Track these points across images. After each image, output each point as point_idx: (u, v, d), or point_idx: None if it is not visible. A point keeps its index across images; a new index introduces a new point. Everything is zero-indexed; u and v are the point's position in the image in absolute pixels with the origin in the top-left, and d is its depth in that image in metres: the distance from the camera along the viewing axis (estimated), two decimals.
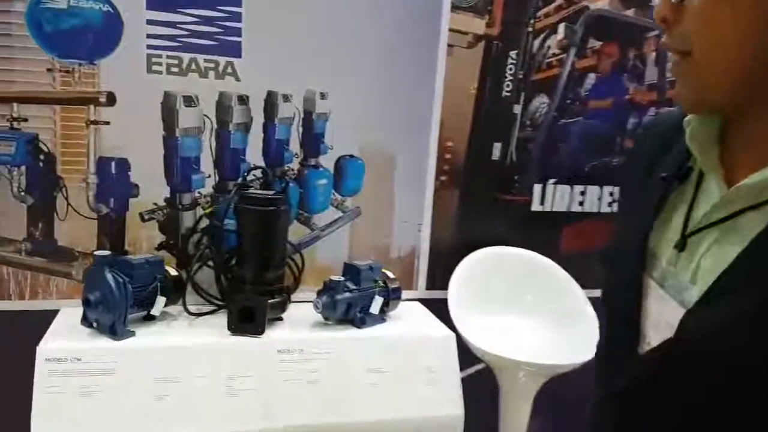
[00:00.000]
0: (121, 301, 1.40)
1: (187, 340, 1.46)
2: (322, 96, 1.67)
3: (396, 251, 1.83)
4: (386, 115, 1.74)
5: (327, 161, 1.73)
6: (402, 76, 1.73)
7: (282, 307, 1.58)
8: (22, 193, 1.52)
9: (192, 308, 1.59)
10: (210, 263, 1.63)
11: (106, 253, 1.42)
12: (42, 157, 1.51)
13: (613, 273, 0.74)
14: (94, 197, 1.57)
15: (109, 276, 1.40)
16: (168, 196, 1.62)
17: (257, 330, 1.49)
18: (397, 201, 1.80)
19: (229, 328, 1.49)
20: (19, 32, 1.42)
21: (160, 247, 1.65)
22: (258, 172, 1.64)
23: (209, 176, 1.64)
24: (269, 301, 1.52)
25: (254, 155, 1.66)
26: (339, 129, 1.72)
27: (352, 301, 1.58)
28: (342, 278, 1.59)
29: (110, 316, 1.40)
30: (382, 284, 1.65)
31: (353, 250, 1.80)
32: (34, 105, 1.47)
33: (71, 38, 1.46)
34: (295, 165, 1.71)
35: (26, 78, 1.45)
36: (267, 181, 1.58)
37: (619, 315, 0.70)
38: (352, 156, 1.74)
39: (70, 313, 1.47)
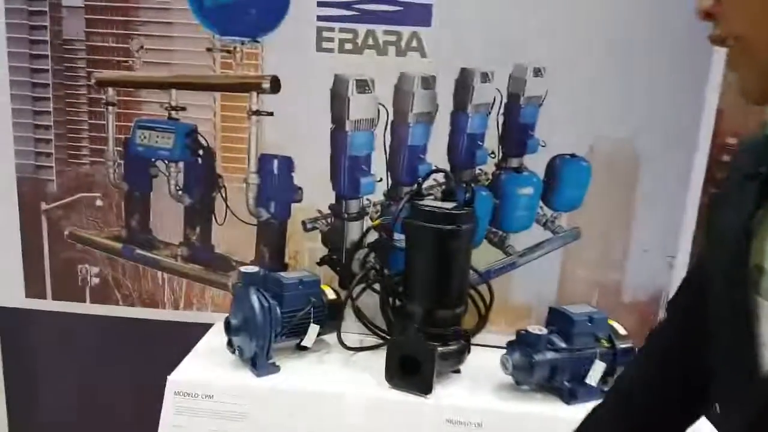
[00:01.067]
0: (265, 328, 1.14)
1: (338, 385, 1.15)
2: (537, 72, 1.23)
3: (630, 294, 1.31)
4: (631, 101, 1.23)
5: (535, 163, 1.29)
6: (660, 49, 1.20)
7: (458, 357, 1.18)
8: (180, 192, 1.36)
9: (352, 337, 1.28)
10: (376, 286, 1.31)
11: (253, 269, 1.17)
12: (201, 152, 1.33)
13: (711, 301, 0.66)
14: (254, 200, 1.35)
15: (254, 298, 1.15)
16: (333, 202, 1.34)
17: (422, 388, 1.11)
18: (637, 221, 1.28)
19: (388, 378, 1.14)
20: (179, 6, 1.25)
21: (322, 262, 1.37)
22: (440, 176, 1.26)
23: (380, 180, 1.31)
24: (440, 349, 1.13)
25: (437, 154, 1.29)
26: (557, 119, 1.25)
27: (559, 365, 1.12)
28: (545, 330, 1.13)
29: (252, 345, 1.15)
30: (606, 343, 1.16)
31: (564, 288, 1.32)
32: (192, 91, 1.29)
33: (233, 11, 1.24)
34: (489, 167, 1.30)
35: (185, 59, 1.28)
36: (449, 188, 1.19)
37: (727, 344, 0.63)
38: (573, 155, 1.27)
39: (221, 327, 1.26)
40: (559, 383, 1.14)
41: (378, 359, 1.25)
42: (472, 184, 1.24)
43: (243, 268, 1.17)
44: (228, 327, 1.16)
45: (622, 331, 1.19)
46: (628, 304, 1.30)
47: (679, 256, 1.27)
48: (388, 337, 1.32)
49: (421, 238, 1.13)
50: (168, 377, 1.13)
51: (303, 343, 1.22)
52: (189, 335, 1.32)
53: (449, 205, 1.14)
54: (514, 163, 1.28)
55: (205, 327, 1.35)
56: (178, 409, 1.11)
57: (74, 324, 1.43)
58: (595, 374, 1.14)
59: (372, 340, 1.33)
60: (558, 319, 1.16)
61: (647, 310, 1.30)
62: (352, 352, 1.27)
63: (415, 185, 1.20)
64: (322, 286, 1.26)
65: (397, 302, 1.27)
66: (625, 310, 1.29)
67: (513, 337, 1.15)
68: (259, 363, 1.16)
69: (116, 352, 1.44)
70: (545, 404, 1.13)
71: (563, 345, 1.13)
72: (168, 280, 1.40)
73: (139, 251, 1.39)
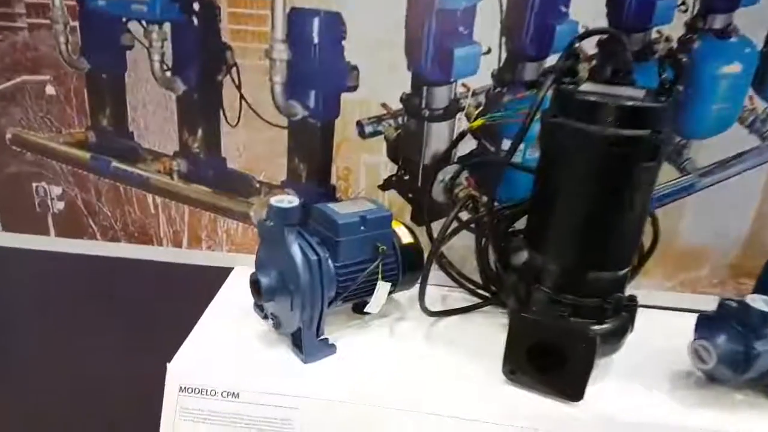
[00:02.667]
0: (314, 293, 0.72)
1: (426, 378, 0.74)
2: None
3: None
4: None
5: (751, 24, 0.78)
6: None
7: (618, 340, 0.75)
8: (168, 74, 0.88)
9: (434, 294, 0.86)
10: (473, 226, 0.86)
11: (291, 202, 0.72)
12: (197, 8, 0.84)
13: None
14: (282, 87, 0.87)
15: (295, 248, 0.71)
16: (407, 92, 0.86)
17: (570, 391, 0.70)
18: None
19: (507, 369, 0.72)
20: None
21: (387, 184, 0.91)
22: (590, 44, 0.76)
23: (487, 51, 0.82)
24: (599, 329, 0.71)
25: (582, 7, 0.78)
26: None
27: None
28: (762, 299, 0.70)
29: (295, 317, 0.73)
30: None
31: (763, 226, 0.86)
32: None
33: None
34: (675, 30, 0.79)
35: None
36: (623, 60, 0.68)
37: None
38: None
39: (244, 276, 0.82)
40: None
41: (475, 331, 0.84)
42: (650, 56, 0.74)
43: (275, 200, 0.72)
44: (257, 288, 0.74)
45: None
46: None
47: None
48: (488, 296, 0.90)
49: (577, 151, 0.66)
50: (168, 365, 0.72)
51: (367, 309, 0.80)
52: (196, 286, 0.91)
53: (634, 91, 0.65)
54: (717, 22, 0.77)
55: (220, 274, 0.94)
56: (185, 413, 0.72)
57: (34, 264, 1.02)
58: None
59: (458, 297, 0.91)
60: None
61: None
62: (434, 318, 0.85)
63: (561, 58, 0.70)
64: (394, 223, 0.81)
65: (507, 253, 0.83)
66: None
67: (669, 293, 0.72)
68: (307, 343, 0.74)
69: (93, 308, 1.04)
70: (756, 410, 0.71)
71: None
72: (162, 207, 0.96)
73: (116, 164, 0.94)
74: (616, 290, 0.73)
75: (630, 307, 0.75)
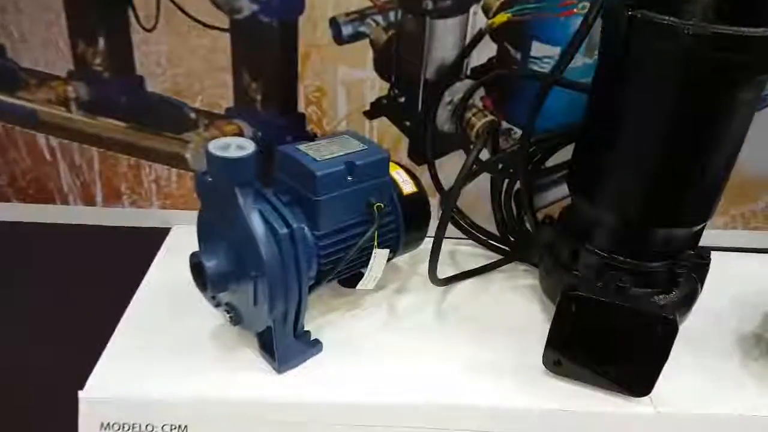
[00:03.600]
0: (287, 280, 0.49)
1: (448, 379, 0.54)
2: None
3: None
4: None
5: None
6: None
7: (691, 302, 0.57)
8: None
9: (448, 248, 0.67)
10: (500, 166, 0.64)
11: (242, 148, 0.47)
12: None
13: None
14: None
15: (254, 218, 0.47)
16: None
17: (636, 385, 0.51)
18: None
19: (551, 360, 0.53)
20: None
21: (376, 108, 0.67)
22: None
23: None
24: (669, 301, 0.52)
25: None
26: None
27: None
28: None
29: (259, 312, 0.51)
30: None
31: None
32: None
33: None
34: None
35: None
36: None
37: None
38: None
39: (185, 241, 0.58)
40: None
41: (496, 300, 0.65)
42: None
43: (215, 146, 0.47)
44: (200, 275, 0.51)
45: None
46: None
47: None
48: (506, 249, 0.70)
49: (661, 59, 0.44)
50: (80, 393, 0.50)
51: (360, 286, 0.58)
52: (119, 257, 0.67)
53: None
54: None
55: (152, 238, 0.70)
56: None
57: None
58: None
59: (468, 252, 0.71)
60: None
61: None
62: (445, 285, 0.65)
63: None
64: (391, 167, 0.58)
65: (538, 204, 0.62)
66: None
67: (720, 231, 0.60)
68: (280, 345, 0.53)
69: None
70: None
71: None
72: (61, 151, 0.69)
73: None
74: (689, 248, 0.54)
75: (701, 266, 0.56)
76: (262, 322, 0.52)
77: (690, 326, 0.56)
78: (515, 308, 0.63)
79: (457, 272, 0.67)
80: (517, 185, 0.64)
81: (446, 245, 0.73)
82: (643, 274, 0.54)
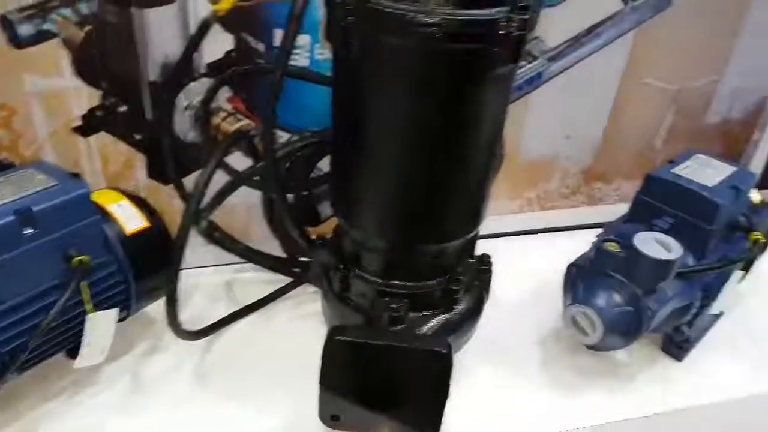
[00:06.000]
0: None
1: None
2: None
3: (718, 110, 0.71)
4: None
5: None
6: None
7: (477, 313, 0.52)
8: None
9: (212, 282, 0.57)
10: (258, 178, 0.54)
11: None
12: None
13: None
14: None
15: None
16: None
17: (424, 425, 0.46)
18: None
19: (327, 416, 0.45)
20: None
21: (89, 124, 0.53)
22: None
23: None
24: (448, 320, 0.47)
25: None
26: None
27: (688, 303, 0.53)
28: (654, 237, 0.50)
29: None
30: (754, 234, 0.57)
31: (623, 114, 0.68)
32: None
33: None
34: None
35: None
36: None
37: None
38: None
39: None
40: (670, 329, 0.57)
41: (279, 342, 0.56)
42: None
43: None
44: None
45: (757, 197, 0.61)
46: (712, 127, 0.72)
47: None
48: (296, 273, 0.61)
49: (393, 56, 0.36)
50: None
51: (78, 364, 0.45)
52: None
53: None
54: None
55: None
56: None
57: None
58: (726, 294, 0.57)
59: (253, 278, 0.62)
60: (672, 198, 0.53)
61: (736, 133, 0.73)
62: (204, 337, 0.54)
63: None
64: (104, 198, 0.45)
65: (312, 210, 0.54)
66: (703, 137, 0.72)
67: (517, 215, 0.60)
68: None
69: None
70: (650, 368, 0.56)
71: (693, 261, 0.53)
72: None
73: None
74: (466, 257, 0.49)
75: (483, 271, 0.52)
76: None
77: (485, 332, 0.52)
78: (302, 344, 0.52)
79: (236, 309, 0.57)
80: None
81: (224, 274, 0.63)
82: (419, 296, 0.48)
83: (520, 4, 0.35)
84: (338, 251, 0.50)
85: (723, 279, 0.55)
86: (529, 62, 0.61)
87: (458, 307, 0.50)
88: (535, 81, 0.63)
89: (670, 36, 0.64)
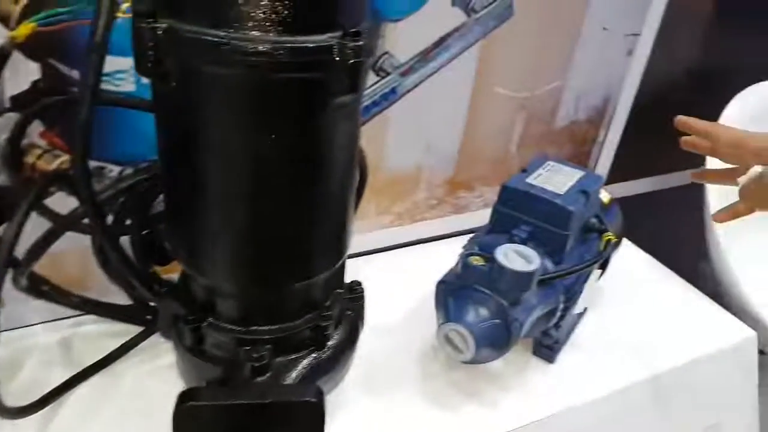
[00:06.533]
0: None
1: None
2: None
3: (566, 112, 0.74)
4: None
5: None
6: None
7: (350, 348, 0.50)
8: None
9: (45, 343, 0.49)
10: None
11: None
12: None
13: None
14: None
15: None
16: None
17: None
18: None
19: None
20: None
21: None
22: None
23: None
24: (325, 356, 0.45)
25: None
26: None
27: (553, 307, 0.54)
28: (515, 249, 0.51)
29: None
30: (606, 235, 0.59)
31: (477, 121, 0.69)
32: None
33: None
34: None
35: None
36: None
37: None
38: None
39: None
40: (539, 333, 0.58)
41: (130, 393, 0.50)
42: None
43: None
44: None
45: (606, 196, 0.64)
46: (562, 129, 0.75)
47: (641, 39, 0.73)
48: (147, 320, 0.54)
49: (210, 90, 0.33)
50: None
51: None
52: None
53: None
54: None
55: None
56: None
57: None
58: (586, 295, 0.60)
59: (102, 331, 0.55)
60: (527, 207, 0.54)
61: (581, 133, 0.77)
62: (36, 412, 0.46)
63: None
64: None
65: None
66: (554, 140, 0.75)
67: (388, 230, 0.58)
68: None
69: None
70: (523, 372, 0.57)
71: (553, 267, 0.54)
72: None
73: None
74: (334, 287, 0.47)
75: (355, 300, 0.50)
76: None
77: (362, 361, 0.50)
78: (157, 404, 0.47)
79: (75, 371, 0.50)
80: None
81: (60, 331, 0.55)
82: (285, 339, 0.44)
83: (352, 30, 0.33)
84: (187, 298, 0.45)
85: (583, 279, 0.57)
86: (383, 77, 0.60)
87: (331, 343, 0.47)
88: (391, 97, 0.61)
89: (513, 45, 0.65)
